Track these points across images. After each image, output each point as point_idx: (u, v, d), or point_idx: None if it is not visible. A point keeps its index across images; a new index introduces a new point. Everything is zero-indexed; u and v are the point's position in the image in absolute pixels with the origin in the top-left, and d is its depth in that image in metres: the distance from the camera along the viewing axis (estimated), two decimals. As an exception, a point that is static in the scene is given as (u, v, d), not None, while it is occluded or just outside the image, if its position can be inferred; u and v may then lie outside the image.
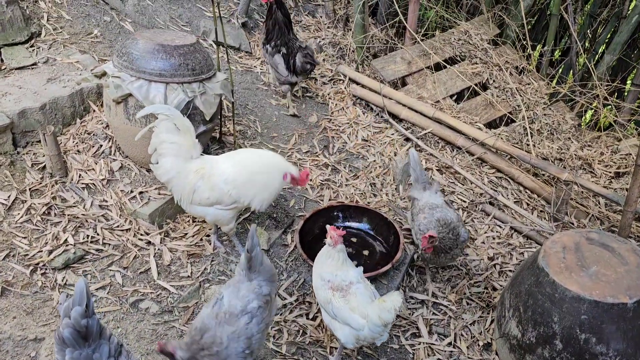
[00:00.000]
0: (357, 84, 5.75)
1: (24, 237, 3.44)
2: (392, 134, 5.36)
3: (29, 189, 3.72)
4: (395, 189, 4.70)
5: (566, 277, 2.77)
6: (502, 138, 5.18)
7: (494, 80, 5.85)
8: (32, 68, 4.48)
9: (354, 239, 3.96)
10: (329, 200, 4.39)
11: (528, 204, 4.83)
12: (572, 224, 4.63)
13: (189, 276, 3.49)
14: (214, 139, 4.66)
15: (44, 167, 3.88)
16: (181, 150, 3.37)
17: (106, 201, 3.85)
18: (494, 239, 4.37)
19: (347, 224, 4.05)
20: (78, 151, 4.12)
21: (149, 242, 3.67)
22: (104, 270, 3.40)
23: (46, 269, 3.31)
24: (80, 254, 3.43)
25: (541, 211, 4.78)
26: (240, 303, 2.67)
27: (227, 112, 4.99)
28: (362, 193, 4.55)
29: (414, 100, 5.43)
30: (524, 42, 5.95)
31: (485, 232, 4.42)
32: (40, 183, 3.79)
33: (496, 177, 5.03)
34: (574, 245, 2.98)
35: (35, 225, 3.53)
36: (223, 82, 4.05)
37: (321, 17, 7.01)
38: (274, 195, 3.43)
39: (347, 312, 2.87)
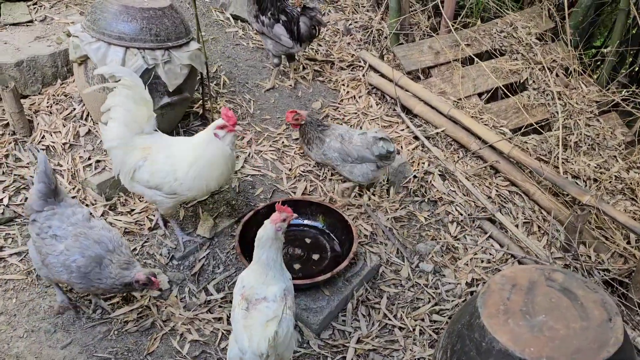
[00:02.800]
0: (377, 72, 5.23)
1: (-39, 191, 3.38)
2: (402, 130, 4.80)
3: (-16, 143, 3.66)
4: (387, 190, 4.19)
5: (499, 324, 2.19)
6: (519, 146, 4.45)
7: (533, 81, 5.08)
8: (27, 25, 4.44)
9: (307, 240, 3.53)
10: (302, 194, 3.97)
11: (540, 228, 4.11)
12: (589, 257, 3.88)
13: (115, 255, 3.25)
14: (195, 115, 4.40)
15: (8, 124, 3.80)
16: (133, 121, 3.11)
17: (61, 165, 3.71)
18: (481, 261, 3.74)
19: (302, 221, 3.61)
20: (50, 112, 4.01)
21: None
22: (28, 236, 3.24)
23: (-29, 227, 3.22)
24: (9, 215, 3.30)
25: (555, 238, 4.05)
26: (78, 216, 2.73)
27: (221, 89, 4.71)
28: (348, 188, 4.08)
29: (431, 94, 4.83)
30: (577, 39, 5.11)
31: (475, 254, 3.80)
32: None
33: (509, 190, 4.34)
34: (527, 284, 2.37)
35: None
36: (194, 53, 3.75)
37: (362, -1, 6.51)
38: (221, 182, 3.11)
39: (240, 328, 2.45)
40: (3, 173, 3.55)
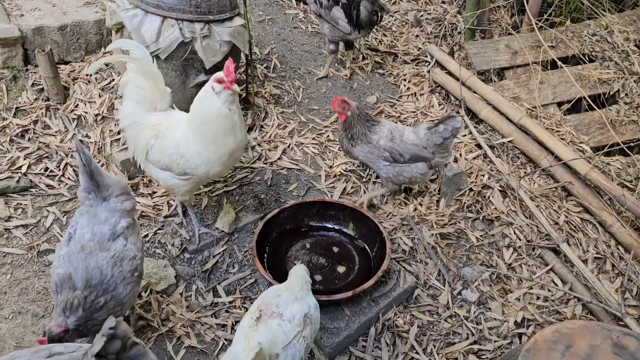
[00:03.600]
0: (444, 69, 4.72)
1: (-18, 153, 3.25)
2: (464, 136, 4.28)
3: (16, 107, 3.52)
4: (436, 202, 3.71)
5: (542, 396, 1.71)
6: (600, 168, 3.81)
7: (626, 94, 4.39)
8: (82, -11, 4.31)
9: (335, 249, 3.13)
10: (339, 195, 3.57)
11: (614, 267, 3.48)
12: (672, 310, 3.22)
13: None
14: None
15: (43, 89, 3.66)
16: (145, 98, 2.85)
17: (89, 137, 3.52)
18: (537, 298, 3.19)
19: (332, 226, 3.22)
20: (88, 81, 3.84)
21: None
22: (40, 208, 3.07)
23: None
24: (25, 185, 3.14)
25: (632, 282, 3.42)
26: (106, 227, 2.31)
27: (270, 72, 4.38)
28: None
29: (501, 98, 4.27)
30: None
31: (531, 288, 3.25)
32: (32, 104, 3.58)
33: (580, 218, 3.72)
34: (586, 349, 1.86)
35: (0, 145, 3.31)
36: (237, 29, 3.43)
37: (438, -12, 5.97)
38: (223, 153, 2.76)
39: (241, 335, 2.15)
40: (29, 139, 3.40)
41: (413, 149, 3.31)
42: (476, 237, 3.53)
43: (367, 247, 3.13)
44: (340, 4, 4.09)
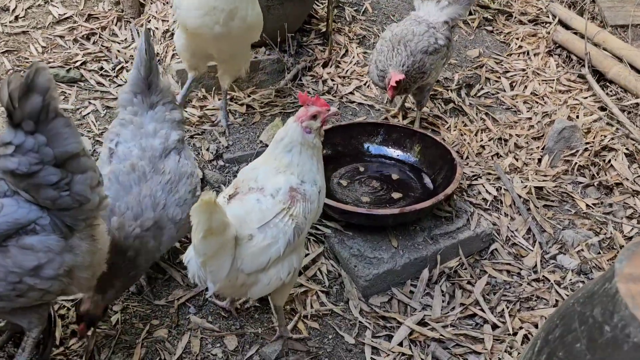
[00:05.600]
0: (568, 28, 3.96)
1: (44, 47, 3.16)
2: (585, 98, 3.47)
3: (88, 14, 3.44)
4: (539, 160, 2.97)
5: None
6: None
7: None
8: None
9: (394, 176, 2.53)
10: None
11: None
12: None
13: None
14: (318, 32, 3.70)
15: (119, 2, 3.56)
16: None
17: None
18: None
19: (394, 154, 2.63)
20: (166, 2, 3.70)
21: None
22: (83, 100, 2.87)
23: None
24: (74, 76, 2.98)
25: None
26: (157, 141, 1.92)
27: (359, 15, 3.95)
28: (482, 146, 2.99)
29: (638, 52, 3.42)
30: None
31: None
32: (105, 14, 3.48)
33: None
34: None
35: (64, 42, 3.22)
36: None
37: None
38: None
39: None
40: (93, 42, 3.28)
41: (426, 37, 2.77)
42: (586, 204, 2.73)
43: (432, 175, 2.50)
44: None
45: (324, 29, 3.69)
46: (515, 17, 4.28)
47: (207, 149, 2.67)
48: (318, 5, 3.98)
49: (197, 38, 2.50)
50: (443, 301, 2.15)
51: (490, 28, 4.15)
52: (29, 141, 1.29)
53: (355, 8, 4.02)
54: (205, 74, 2.99)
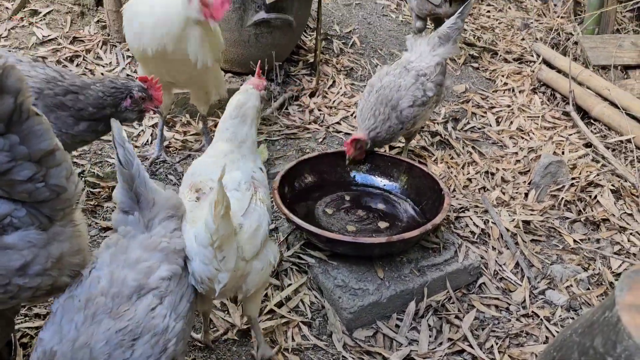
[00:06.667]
0: (552, 67, 4.02)
1: (25, 68, 3.09)
2: (570, 135, 3.49)
3: (74, 37, 3.40)
4: (525, 194, 2.95)
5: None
6: None
7: None
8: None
9: (381, 206, 2.48)
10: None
11: None
12: None
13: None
14: (306, 63, 3.70)
15: (106, 26, 3.53)
16: None
17: (136, 74, 3.28)
18: None
19: (380, 184, 2.58)
20: (154, 28, 3.68)
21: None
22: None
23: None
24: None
25: None
26: (131, 274, 1.44)
27: (347, 48, 3.97)
28: (469, 179, 2.96)
29: (624, 92, 3.47)
30: None
31: None
32: (91, 37, 3.44)
33: None
34: None
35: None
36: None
37: (555, 5, 5.34)
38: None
39: (185, 226, 1.60)
40: (77, 65, 3.23)
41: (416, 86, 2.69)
42: (574, 240, 2.69)
43: (419, 206, 2.45)
44: (430, -31, 3.64)
45: (312, 60, 3.70)
46: (500, 55, 4.35)
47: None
48: (306, 37, 4.01)
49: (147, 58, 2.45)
50: (430, 336, 2.06)
51: (476, 65, 4.20)
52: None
53: (343, 41, 4.06)
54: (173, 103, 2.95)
